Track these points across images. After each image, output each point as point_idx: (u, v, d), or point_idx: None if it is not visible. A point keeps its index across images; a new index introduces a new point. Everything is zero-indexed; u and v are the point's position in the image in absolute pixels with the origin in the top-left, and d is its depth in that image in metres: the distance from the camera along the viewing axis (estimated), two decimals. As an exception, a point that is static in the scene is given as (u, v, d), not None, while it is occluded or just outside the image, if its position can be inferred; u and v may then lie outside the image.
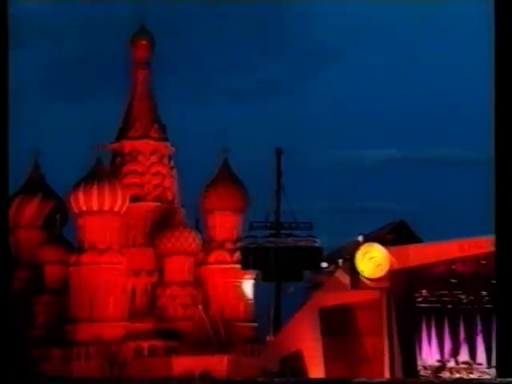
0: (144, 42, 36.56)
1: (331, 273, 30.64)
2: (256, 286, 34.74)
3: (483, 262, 29.95)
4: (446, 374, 30.89)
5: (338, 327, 29.36)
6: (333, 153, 59.86)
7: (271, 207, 32.36)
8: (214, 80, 65.41)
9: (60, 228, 35.95)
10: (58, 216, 35.60)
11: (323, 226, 32.38)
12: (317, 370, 29.27)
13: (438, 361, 32.41)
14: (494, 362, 32.84)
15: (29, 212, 35.30)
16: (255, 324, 34.79)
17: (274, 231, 31.37)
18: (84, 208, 33.30)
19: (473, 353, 33.02)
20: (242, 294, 34.64)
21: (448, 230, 33.63)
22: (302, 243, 30.78)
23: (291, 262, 30.69)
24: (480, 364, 32.47)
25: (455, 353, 33.00)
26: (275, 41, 67.07)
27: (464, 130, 59.86)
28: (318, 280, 31.53)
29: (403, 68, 62.86)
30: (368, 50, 64.68)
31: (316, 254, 30.85)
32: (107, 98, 40.65)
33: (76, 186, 33.66)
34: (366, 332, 29.43)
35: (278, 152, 33.57)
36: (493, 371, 31.80)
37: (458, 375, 30.72)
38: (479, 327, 33.17)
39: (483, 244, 29.04)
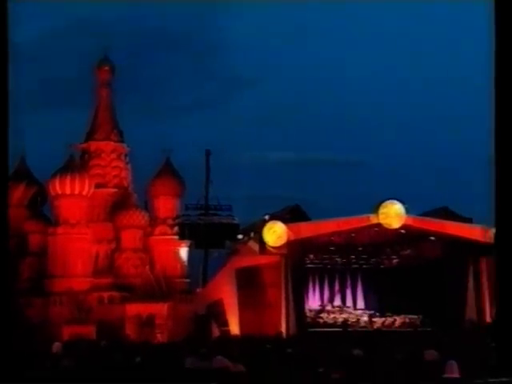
0: (107, 68, 36.15)
1: (245, 242, 31.31)
2: (189, 252, 35.06)
3: (353, 234, 31.40)
4: (324, 315, 32.25)
5: (249, 282, 29.90)
6: (248, 154, 60.62)
7: (202, 193, 32.92)
8: (160, 96, 65.30)
9: (40, 207, 35.37)
10: (39, 198, 35.10)
11: (240, 208, 33.09)
12: (233, 314, 29.72)
13: (320, 305, 33.80)
14: (358, 306, 34.51)
15: (16, 195, 34.52)
16: (188, 280, 35.16)
17: (203, 211, 31.87)
18: (59, 192, 32.90)
19: (344, 299, 34.59)
20: (179, 258, 34.82)
21: (329, 212, 34.93)
22: (224, 220, 31.27)
23: (216, 235, 31.13)
24: (348, 307, 34.06)
25: (331, 299, 34.48)
26: (207, 68, 67.38)
27: (345, 138, 61.78)
28: (235, 248, 32.04)
29: (310, 92, 64.06)
30: (280, 75, 65.45)
31: (234, 229, 31.32)
32: (79, 109, 40.19)
33: (53, 176, 33.18)
34: (269, 285, 30.08)
35: (207, 153, 34.18)
36: (358, 312, 33.40)
37: (332, 315, 32.10)
38: (349, 281, 34.79)
39: (353, 222, 30.54)
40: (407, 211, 30.01)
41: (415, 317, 31.64)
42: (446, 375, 9.59)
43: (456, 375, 9.57)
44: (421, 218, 30.70)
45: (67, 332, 29.19)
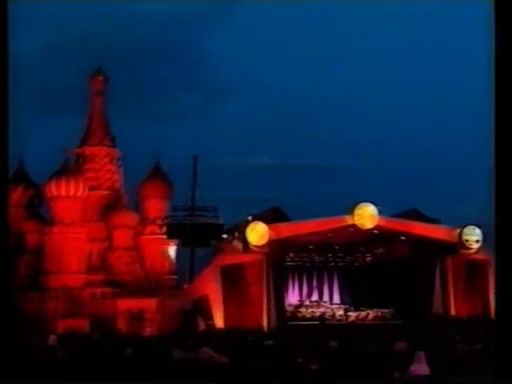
0: (100, 78, 35.95)
1: (229, 241, 31.26)
2: (177, 251, 34.98)
3: (330, 234, 31.55)
4: (303, 309, 32.34)
5: (233, 279, 29.72)
6: (233, 159, 60.86)
7: (189, 195, 32.88)
8: (151, 105, 65.28)
9: (37, 208, 35.12)
10: (36, 199, 34.80)
11: (224, 209, 33.11)
12: (218, 308, 29.53)
13: (298, 300, 33.90)
14: (334, 300, 34.67)
15: (15, 196, 34.18)
16: (176, 276, 35.07)
17: (190, 212, 31.84)
18: (55, 194, 32.63)
19: (321, 294, 34.74)
20: (167, 256, 34.71)
21: (308, 213, 35.00)
22: (210, 221, 31.23)
23: (202, 234, 31.07)
24: (325, 302, 34.22)
25: (309, 295, 34.61)
26: (194, 78, 67.47)
27: (323, 144, 62.16)
28: (220, 246, 31.99)
29: (290, 102, 64.27)
30: (262, 86, 65.58)
31: (219, 229, 31.28)
32: (74, 116, 39.99)
33: (50, 178, 32.90)
34: (252, 282, 29.93)
35: (195, 157, 34.16)
36: (334, 306, 33.54)
37: (310, 310, 32.22)
38: (326, 278, 34.96)
39: (330, 222, 30.70)
40: (380, 213, 30.29)
41: (387, 311, 31.95)
42: (414, 364, 9.75)
43: (424, 364, 9.74)
44: (392, 219, 30.99)
45: (62, 325, 28.95)
